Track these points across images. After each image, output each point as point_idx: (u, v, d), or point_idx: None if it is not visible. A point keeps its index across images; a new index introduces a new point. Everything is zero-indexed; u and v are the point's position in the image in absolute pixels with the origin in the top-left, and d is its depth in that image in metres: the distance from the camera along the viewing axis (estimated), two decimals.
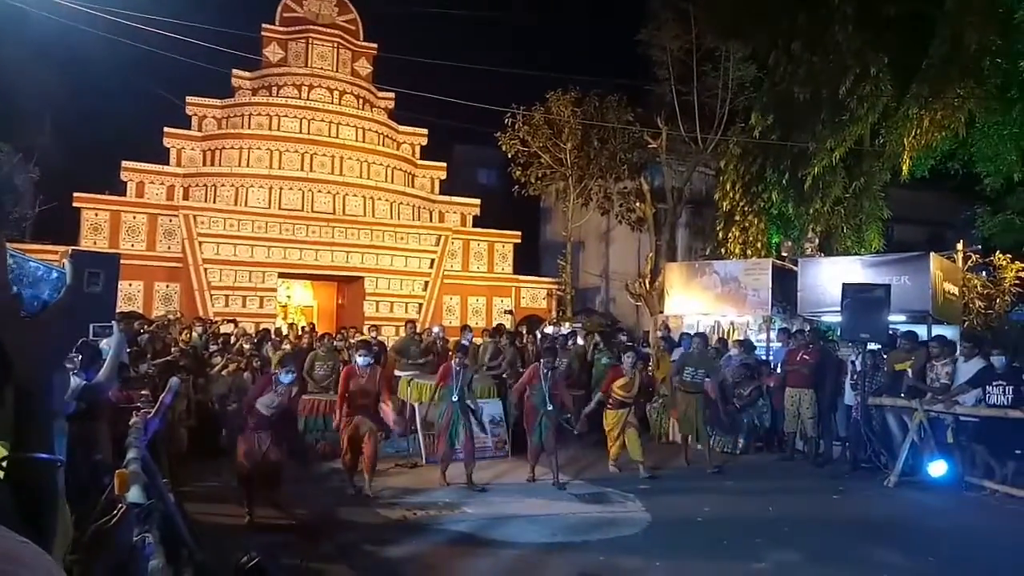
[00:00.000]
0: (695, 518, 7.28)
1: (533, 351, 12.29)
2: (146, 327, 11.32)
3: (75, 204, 16.51)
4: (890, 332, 10.09)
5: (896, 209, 18.48)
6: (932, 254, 12.24)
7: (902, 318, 11.50)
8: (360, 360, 8.07)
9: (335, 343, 12.14)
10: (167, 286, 16.70)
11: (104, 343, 4.63)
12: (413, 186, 20.66)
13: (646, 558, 5.97)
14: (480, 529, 6.69)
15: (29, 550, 0.52)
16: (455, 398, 8.39)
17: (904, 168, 15.19)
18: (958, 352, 9.33)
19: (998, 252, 17.50)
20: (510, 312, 19.83)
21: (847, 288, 9.83)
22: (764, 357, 12.29)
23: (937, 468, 8.57)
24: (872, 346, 9.97)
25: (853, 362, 9.98)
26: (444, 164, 21.78)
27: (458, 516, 7.09)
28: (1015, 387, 8.29)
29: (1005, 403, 8.25)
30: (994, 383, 8.43)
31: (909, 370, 9.51)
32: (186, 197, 17.93)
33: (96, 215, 16.75)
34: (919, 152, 14.88)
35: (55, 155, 18.35)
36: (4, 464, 0.96)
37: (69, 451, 3.64)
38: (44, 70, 17.48)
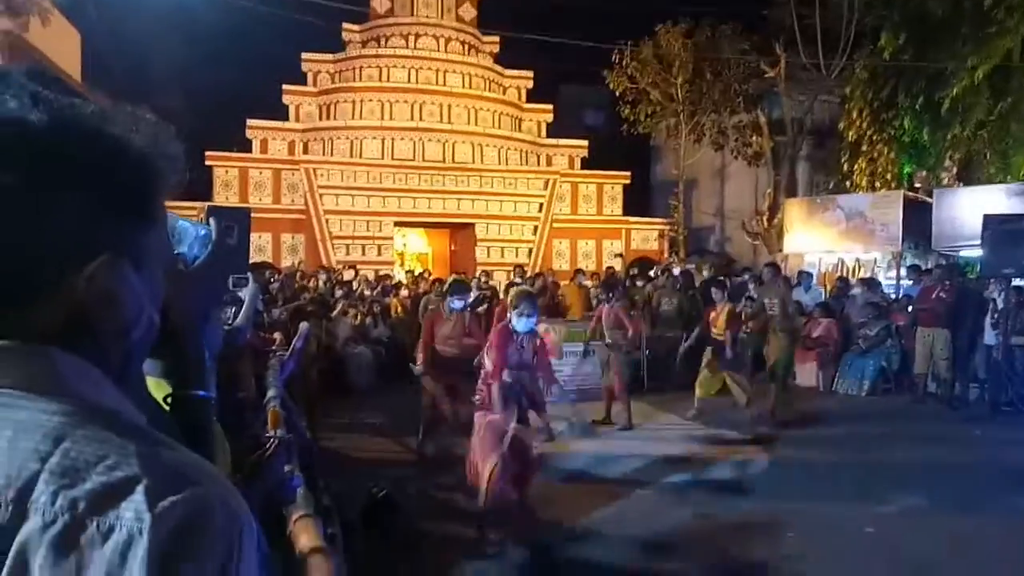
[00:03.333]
0: (817, 462, 7.10)
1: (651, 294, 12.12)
2: (276, 276, 12.06)
3: (207, 162, 17.58)
4: None
5: None
6: None
7: None
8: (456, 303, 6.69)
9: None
10: (292, 237, 17.63)
11: (240, 292, 4.96)
12: (520, 130, 20.58)
13: (764, 500, 5.91)
14: (595, 467, 6.82)
15: (210, 466, 0.59)
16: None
17: None
18: None
19: None
20: (620, 255, 19.62)
21: (989, 220, 9.11)
22: (893, 295, 11.63)
23: None
24: (1017, 282, 9.24)
25: (994, 300, 9.29)
26: (550, 106, 21.48)
27: (573, 453, 7.24)
28: None
29: None
30: None
31: None
32: (306, 151, 18.69)
33: (226, 172, 17.80)
34: None
35: (185, 116, 19.52)
36: (168, 400, 1.06)
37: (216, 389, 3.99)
38: (169, 36, 18.49)
